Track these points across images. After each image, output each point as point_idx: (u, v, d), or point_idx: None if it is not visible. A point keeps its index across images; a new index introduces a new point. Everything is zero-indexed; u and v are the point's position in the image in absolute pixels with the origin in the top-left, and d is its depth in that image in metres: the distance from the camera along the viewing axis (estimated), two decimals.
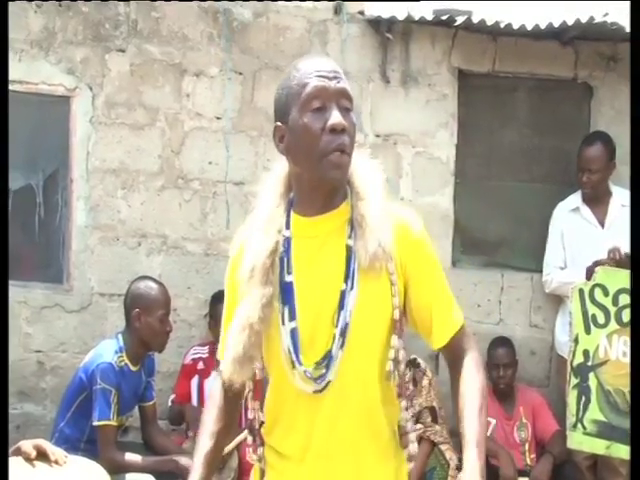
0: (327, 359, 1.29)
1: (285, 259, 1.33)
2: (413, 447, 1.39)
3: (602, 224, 3.32)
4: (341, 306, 1.29)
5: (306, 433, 1.32)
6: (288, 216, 1.36)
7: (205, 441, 1.41)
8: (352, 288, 1.30)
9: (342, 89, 1.30)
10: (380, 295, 1.32)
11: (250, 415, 1.42)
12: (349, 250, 1.32)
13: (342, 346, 1.29)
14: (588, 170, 3.29)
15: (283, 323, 1.32)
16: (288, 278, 1.32)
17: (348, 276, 1.30)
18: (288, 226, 1.35)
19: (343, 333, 1.29)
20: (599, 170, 3.28)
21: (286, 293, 1.32)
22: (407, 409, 1.38)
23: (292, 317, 1.31)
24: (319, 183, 1.32)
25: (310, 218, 1.35)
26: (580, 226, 3.34)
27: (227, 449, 2.82)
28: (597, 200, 3.33)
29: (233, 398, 1.44)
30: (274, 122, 1.36)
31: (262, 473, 1.40)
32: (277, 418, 1.37)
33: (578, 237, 3.33)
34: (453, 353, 1.39)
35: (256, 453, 1.40)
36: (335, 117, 1.28)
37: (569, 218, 3.37)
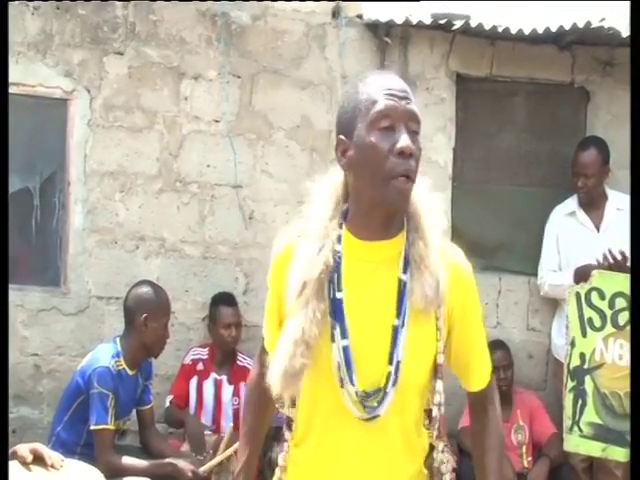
0: (380, 394, 1.29)
1: (336, 275, 1.30)
2: None
3: (598, 228, 3.33)
4: (394, 343, 1.29)
5: (336, 453, 1.32)
6: (340, 231, 1.33)
7: (249, 420, 1.51)
8: (403, 325, 1.30)
9: (412, 111, 1.28)
10: (426, 338, 1.33)
11: (284, 421, 1.42)
12: (402, 285, 1.30)
13: (395, 383, 1.29)
14: (583, 175, 3.30)
15: (333, 340, 1.29)
16: (338, 295, 1.30)
17: (400, 312, 1.29)
18: (340, 241, 1.32)
19: (396, 371, 1.29)
20: (594, 175, 3.29)
21: (336, 310, 1.30)
22: (444, 451, 1.41)
23: (344, 335, 1.29)
24: (380, 205, 1.29)
25: (363, 241, 1.32)
26: (576, 230, 3.35)
27: (226, 454, 2.82)
28: (593, 204, 3.34)
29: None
30: (336, 135, 1.33)
31: None
32: (307, 433, 1.36)
33: (573, 241, 3.34)
34: (479, 401, 1.44)
35: (283, 460, 1.41)
36: (404, 140, 1.25)
37: (565, 222, 3.38)
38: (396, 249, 1.32)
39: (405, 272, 1.30)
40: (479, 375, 1.41)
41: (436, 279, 1.29)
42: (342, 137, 1.31)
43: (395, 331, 1.29)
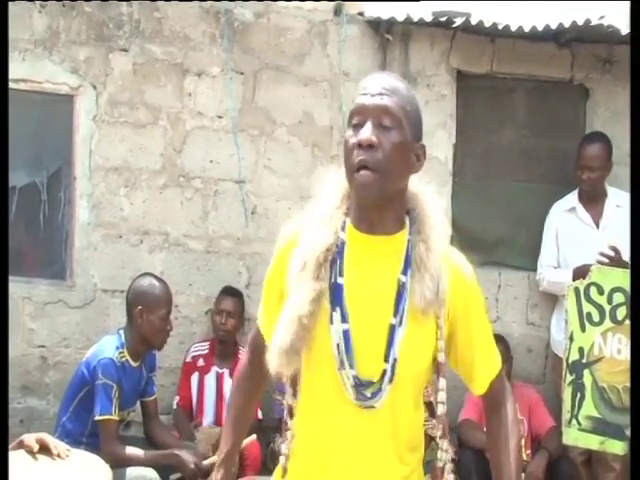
0: (375, 388, 1.31)
1: (338, 260, 1.33)
2: None
3: (597, 225, 3.33)
4: (391, 341, 1.31)
5: (332, 438, 1.33)
6: (345, 221, 1.36)
7: (236, 408, 1.51)
8: (400, 324, 1.31)
9: (382, 106, 1.28)
10: (426, 337, 1.34)
11: (285, 410, 1.43)
12: (401, 286, 1.32)
13: (391, 380, 1.31)
14: (589, 168, 3.28)
15: (332, 322, 1.31)
16: (339, 280, 1.32)
17: (397, 312, 1.31)
18: (344, 229, 1.35)
19: (393, 368, 1.31)
20: (599, 168, 3.28)
21: (336, 294, 1.32)
22: (447, 451, 1.42)
23: (344, 319, 1.31)
24: (356, 200, 1.33)
25: (364, 234, 1.35)
26: (575, 226, 3.35)
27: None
28: (593, 200, 3.34)
29: (260, 365, 1.43)
30: None
31: (284, 471, 1.40)
32: (307, 421, 1.37)
33: (572, 237, 3.34)
34: (492, 399, 1.43)
35: (286, 448, 1.40)
36: (363, 133, 1.28)
37: (564, 218, 3.38)
38: (396, 247, 1.33)
39: (405, 273, 1.32)
40: (484, 377, 1.41)
41: (436, 282, 1.30)
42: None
43: (392, 329, 1.30)
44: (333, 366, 1.31)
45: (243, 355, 1.53)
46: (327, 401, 1.34)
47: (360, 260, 1.34)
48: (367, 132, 1.28)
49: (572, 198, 3.41)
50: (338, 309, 1.31)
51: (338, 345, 1.30)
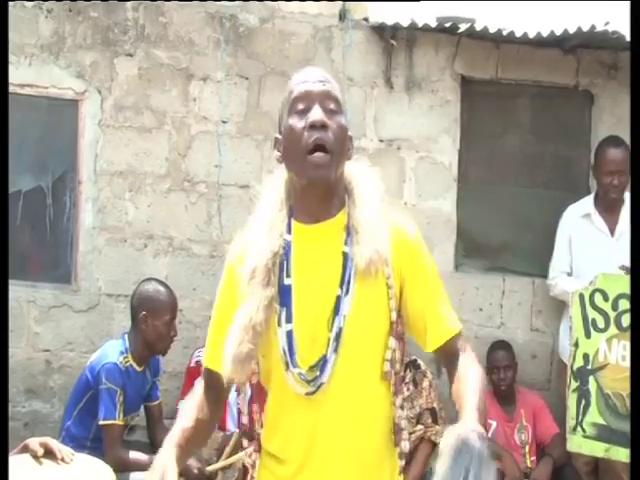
0: (321, 363, 1.32)
1: (285, 262, 1.35)
2: (405, 445, 1.41)
3: (612, 233, 3.26)
4: (336, 311, 1.32)
5: (306, 438, 1.34)
6: (289, 222, 1.38)
7: (182, 425, 1.40)
8: (347, 293, 1.33)
9: (325, 91, 1.34)
10: (377, 299, 1.35)
11: (244, 420, 1.45)
12: (345, 257, 1.34)
13: (336, 350, 1.32)
14: (619, 172, 3.15)
15: (279, 325, 1.34)
16: (287, 281, 1.35)
17: (343, 282, 1.33)
18: (289, 231, 1.37)
19: (337, 337, 1.32)
20: (626, 172, 3.07)
21: (284, 296, 1.35)
22: (402, 407, 1.41)
23: (289, 319, 1.34)
24: (308, 185, 1.34)
25: (308, 225, 1.37)
26: (590, 233, 3.28)
27: (232, 459, 2.85)
28: (610, 208, 3.26)
29: (215, 399, 1.45)
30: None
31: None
32: (277, 424, 1.38)
33: (587, 244, 3.28)
34: (448, 356, 1.40)
35: (250, 458, 1.43)
36: (314, 114, 1.31)
37: (579, 224, 3.31)
38: (339, 225, 1.36)
39: (347, 244, 1.35)
40: (436, 332, 1.37)
41: (375, 240, 1.32)
42: (277, 135, 1.40)
43: (337, 300, 1.32)
44: (282, 366, 1.34)
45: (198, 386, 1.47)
46: (288, 404, 1.36)
47: (309, 254, 1.36)
48: (319, 113, 1.31)
49: (587, 204, 3.33)
50: (284, 310, 1.34)
51: (283, 347, 1.33)
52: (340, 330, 1.32)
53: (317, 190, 1.35)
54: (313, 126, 1.31)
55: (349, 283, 1.33)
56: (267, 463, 1.41)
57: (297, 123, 1.32)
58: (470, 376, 1.32)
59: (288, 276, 1.35)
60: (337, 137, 1.32)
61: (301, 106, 1.33)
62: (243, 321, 1.33)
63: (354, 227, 1.35)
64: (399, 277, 1.37)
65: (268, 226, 1.37)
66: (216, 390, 1.44)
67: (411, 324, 1.40)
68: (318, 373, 1.32)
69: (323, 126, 1.30)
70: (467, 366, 1.35)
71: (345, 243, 1.35)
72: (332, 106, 1.33)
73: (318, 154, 1.31)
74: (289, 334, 1.33)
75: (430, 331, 1.38)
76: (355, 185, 1.39)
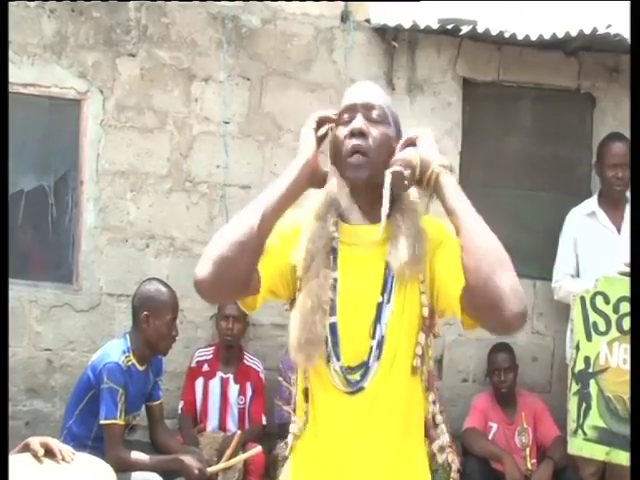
0: (363, 368, 1.36)
1: (332, 255, 1.40)
2: (445, 438, 1.45)
3: (618, 229, 3.25)
4: (378, 319, 1.37)
5: (339, 434, 1.37)
6: (336, 220, 1.43)
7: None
8: (388, 302, 1.38)
9: (369, 102, 1.43)
10: (412, 301, 1.39)
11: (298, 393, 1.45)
12: (387, 265, 1.39)
13: (378, 358, 1.37)
14: (622, 165, 3.16)
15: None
16: (334, 274, 1.39)
17: (385, 289, 1.38)
18: (336, 226, 1.43)
19: (380, 345, 1.37)
20: (628, 167, 3.09)
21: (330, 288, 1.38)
22: (435, 402, 1.44)
23: (333, 312, 1.37)
24: (351, 187, 1.42)
25: (352, 226, 1.43)
26: (596, 231, 3.27)
27: (233, 461, 2.86)
28: (614, 205, 3.26)
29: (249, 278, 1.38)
30: None
31: (291, 450, 1.45)
32: (311, 417, 1.41)
33: (593, 242, 3.26)
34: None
35: (297, 429, 1.44)
36: (355, 123, 1.41)
37: (584, 223, 3.30)
38: (384, 233, 1.39)
39: (389, 250, 1.39)
40: (460, 278, 1.31)
41: (412, 241, 1.36)
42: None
43: (379, 308, 1.37)
44: (323, 358, 1.37)
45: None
46: (323, 392, 1.39)
47: (352, 253, 1.41)
48: (359, 122, 1.41)
49: (591, 203, 3.33)
50: (329, 302, 1.37)
51: (326, 338, 1.36)
52: (382, 338, 1.36)
53: (360, 190, 1.42)
54: (353, 134, 1.40)
55: (390, 292, 1.38)
56: (302, 449, 1.43)
57: (342, 132, 1.43)
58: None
59: (334, 269, 1.39)
60: (376, 144, 1.40)
61: (346, 118, 1.43)
62: (310, 302, 1.36)
63: (395, 233, 1.39)
64: (430, 270, 1.39)
65: (320, 219, 1.42)
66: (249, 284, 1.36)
67: (442, 301, 1.37)
68: (359, 378, 1.36)
69: (362, 134, 1.40)
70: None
71: (389, 252, 1.39)
72: (375, 116, 1.42)
73: (355, 156, 1.39)
74: (333, 326, 1.37)
75: (455, 281, 1.32)
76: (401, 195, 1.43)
